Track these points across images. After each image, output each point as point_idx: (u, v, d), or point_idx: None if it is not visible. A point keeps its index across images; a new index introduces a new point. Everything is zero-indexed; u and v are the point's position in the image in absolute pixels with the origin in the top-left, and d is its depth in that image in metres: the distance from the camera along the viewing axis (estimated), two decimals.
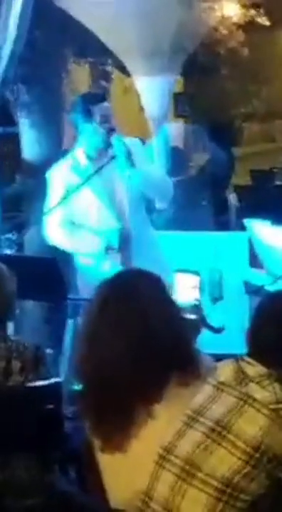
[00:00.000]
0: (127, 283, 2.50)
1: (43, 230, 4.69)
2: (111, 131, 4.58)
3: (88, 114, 4.59)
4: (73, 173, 4.64)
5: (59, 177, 4.66)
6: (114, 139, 4.57)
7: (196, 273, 2.86)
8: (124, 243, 4.60)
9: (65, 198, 4.55)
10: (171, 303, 2.50)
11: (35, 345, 3.25)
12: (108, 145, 4.60)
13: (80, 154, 4.68)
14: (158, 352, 2.36)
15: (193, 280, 2.86)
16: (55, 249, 4.74)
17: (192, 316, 2.77)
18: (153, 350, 2.36)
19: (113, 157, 4.54)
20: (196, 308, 2.79)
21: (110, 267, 4.53)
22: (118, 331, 2.38)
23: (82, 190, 4.55)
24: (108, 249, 4.58)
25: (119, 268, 4.50)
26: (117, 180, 4.64)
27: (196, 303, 2.79)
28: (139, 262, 4.60)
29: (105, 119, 4.60)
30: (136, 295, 2.43)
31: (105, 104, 4.71)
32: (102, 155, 4.64)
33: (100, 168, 4.56)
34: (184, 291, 2.83)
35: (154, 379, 2.36)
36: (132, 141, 4.68)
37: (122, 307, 2.41)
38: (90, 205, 4.60)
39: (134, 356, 2.35)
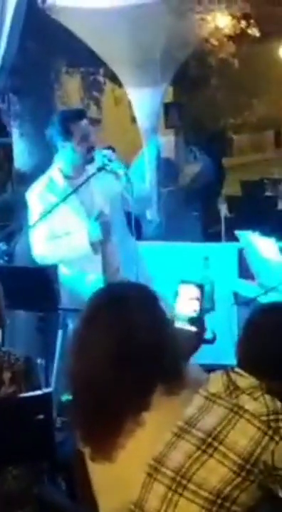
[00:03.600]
0: (118, 295, 2.52)
1: (30, 249, 4.65)
2: (90, 149, 4.53)
3: (67, 135, 4.50)
4: (50, 192, 4.57)
5: (36, 197, 4.60)
6: (96, 154, 4.51)
7: (200, 285, 2.85)
8: (107, 235, 4.57)
9: (43, 217, 4.48)
10: (160, 315, 2.50)
11: (25, 356, 3.25)
12: (86, 162, 4.56)
13: (56, 173, 4.63)
14: (142, 362, 2.37)
15: (195, 292, 2.86)
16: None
17: (193, 328, 2.77)
18: (137, 359, 2.37)
19: (100, 169, 4.49)
20: (198, 320, 2.78)
21: (94, 277, 4.52)
22: (105, 341, 2.39)
23: (60, 207, 4.48)
24: (93, 244, 4.52)
25: (102, 278, 4.51)
26: (96, 193, 4.61)
27: (196, 315, 2.78)
28: (123, 273, 4.60)
29: (85, 138, 4.52)
30: (126, 306, 2.44)
31: (84, 121, 4.58)
32: (79, 172, 4.61)
33: (83, 183, 4.51)
34: (186, 302, 2.83)
35: (138, 388, 2.37)
36: (107, 152, 4.63)
37: (110, 318, 2.42)
38: (68, 220, 4.56)
39: (118, 365, 2.36)
